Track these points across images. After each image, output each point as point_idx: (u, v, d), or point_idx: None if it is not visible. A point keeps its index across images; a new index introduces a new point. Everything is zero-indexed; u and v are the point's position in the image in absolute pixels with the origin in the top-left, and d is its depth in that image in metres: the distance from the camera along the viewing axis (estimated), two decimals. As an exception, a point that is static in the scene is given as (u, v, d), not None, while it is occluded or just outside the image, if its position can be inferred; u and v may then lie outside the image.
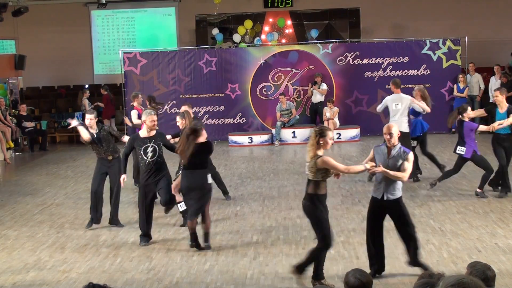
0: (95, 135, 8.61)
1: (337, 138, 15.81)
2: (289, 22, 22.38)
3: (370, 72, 17.04)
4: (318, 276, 6.27)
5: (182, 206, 8.34)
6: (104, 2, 19.30)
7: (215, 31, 21.32)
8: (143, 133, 7.92)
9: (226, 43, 21.15)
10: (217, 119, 17.18)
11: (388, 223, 6.60)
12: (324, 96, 16.61)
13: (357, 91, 17.09)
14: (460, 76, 16.66)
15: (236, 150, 15.74)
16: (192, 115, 9.74)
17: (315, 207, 6.15)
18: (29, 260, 7.50)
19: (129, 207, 9.86)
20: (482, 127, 9.49)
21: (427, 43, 17.00)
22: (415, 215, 8.39)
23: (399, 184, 6.30)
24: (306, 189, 6.26)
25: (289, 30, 22.42)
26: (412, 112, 10.88)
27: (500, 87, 10.05)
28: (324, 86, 16.68)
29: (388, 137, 6.28)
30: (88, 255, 7.61)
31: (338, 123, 16.09)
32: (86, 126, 8.61)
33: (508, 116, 9.29)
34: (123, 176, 8.03)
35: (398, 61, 17.00)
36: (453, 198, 9.61)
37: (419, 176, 10.99)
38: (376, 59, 17.03)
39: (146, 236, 7.92)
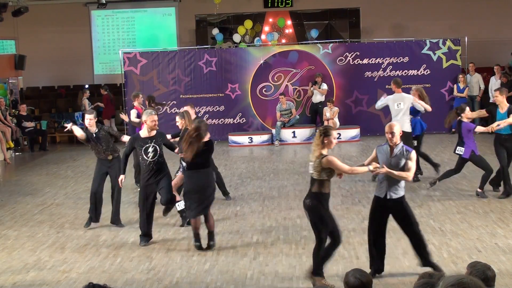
0: (94, 135, 8.61)
1: (337, 138, 15.77)
2: (289, 22, 22.38)
3: (370, 72, 17.04)
4: (317, 273, 6.26)
5: (180, 205, 8.34)
6: (104, 2, 19.30)
7: (215, 31, 21.33)
8: (143, 133, 7.91)
9: (226, 43, 21.15)
10: (217, 119, 17.18)
11: (388, 224, 6.58)
12: (324, 96, 16.61)
13: (357, 91, 17.09)
14: (460, 76, 16.66)
15: (236, 150, 15.74)
16: (195, 116, 9.74)
17: (320, 205, 6.14)
18: (29, 260, 7.50)
19: (129, 207, 9.86)
20: (480, 128, 9.46)
21: (427, 43, 17.00)
22: (415, 215, 8.37)
23: (402, 183, 6.31)
24: (310, 188, 6.23)
25: (289, 30, 22.42)
26: (411, 112, 10.88)
27: (500, 87, 10.05)
28: (324, 86, 16.69)
29: (390, 136, 6.28)
30: (88, 255, 7.61)
31: (338, 123, 16.09)
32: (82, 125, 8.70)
33: (508, 116, 9.28)
34: (121, 177, 8.05)
35: (398, 61, 17.00)
36: (453, 198, 9.61)
37: (419, 176, 10.99)
38: (376, 59, 17.03)
39: (146, 236, 7.92)
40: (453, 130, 15.86)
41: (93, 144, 8.67)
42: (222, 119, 17.14)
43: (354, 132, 16.36)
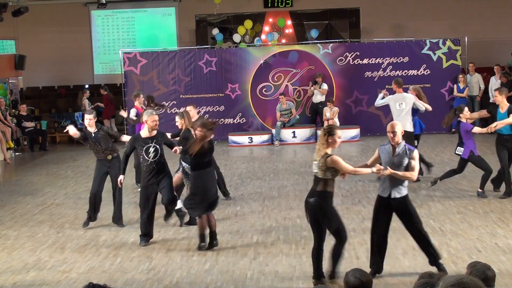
0: (93, 134, 8.62)
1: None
2: (289, 22, 22.38)
3: (370, 72, 17.05)
4: (318, 276, 6.26)
5: (178, 205, 8.35)
6: (104, 2, 19.30)
7: (215, 31, 21.34)
8: (144, 133, 7.91)
9: (226, 43, 21.16)
10: (217, 119, 17.15)
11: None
12: (324, 96, 16.61)
13: (357, 91, 17.09)
14: (460, 76, 16.66)
15: (236, 150, 15.74)
16: (197, 116, 9.74)
17: (326, 204, 6.13)
18: (29, 260, 7.50)
19: (129, 207, 9.86)
20: (477, 129, 9.41)
21: (427, 43, 17.00)
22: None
23: (406, 182, 6.32)
24: (314, 187, 6.20)
25: (289, 30, 22.42)
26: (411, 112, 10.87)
27: (500, 87, 10.03)
28: (324, 86, 16.70)
29: (392, 135, 6.29)
30: (88, 255, 7.61)
31: (338, 123, 16.08)
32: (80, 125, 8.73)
33: (508, 116, 9.27)
34: (120, 177, 8.05)
35: (398, 61, 17.00)
36: (453, 198, 9.61)
37: (419, 176, 10.98)
38: (376, 59, 17.03)
39: (146, 236, 7.92)
40: (453, 130, 15.87)
41: (92, 144, 8.68)
42: (222, 119, 17.13)
43: (354, 132, 16.35)
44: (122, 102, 17.45)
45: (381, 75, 16.97)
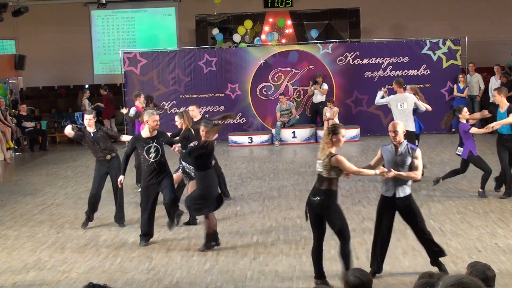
0: (92, 134, 8.63)
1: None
2: (289, 22, 22.39)
3: (370, 72, 17.05)
4: (320, 275, 6.25)
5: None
6: (104, 2, 19.30)
7: (215, 31, 21.34)
8: (145, 133, 7.90)
9: (226, 43, 21.16)
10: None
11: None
12: (325, 96, 16.61)
13: (357, 91, 17.09)
14: (460, 76, 16.66)
15: (236, 150, 15.74)
16: (200, 116, 9.73)
17: (331, 202, 6.12)
18: (29, 260, 7.50)
19: (129, 207, 9.85)
20: (474, 129, 9.39)
21: (427, 43, 17.01)
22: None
23: (409, 181, 6.33)
24: (318, 186, 6.16)
25: (289, 30, 22.43)
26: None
27: (499, 87, 10.01)
28: (325, 86, 16.71)
29: (393, 134, 6.29)
30: (88, 255, 7.61)
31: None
32: (77, 126, 8.75)
33: (508, 116, 9.26)
34: (121, 177, 8.04)
35: (398, 61, 17.00)
36: (453, 198, 9.61)
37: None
38: (376, 59, 17.03)
39: (146, 236, 7.92)
40: (453, 130, 15.89)
41: (90, 144, 8.69)
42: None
43: (354, 132, 16.35)
44: (122, 102, 17.42)
45: (381, 75, 16.97)
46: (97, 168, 8.81)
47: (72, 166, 14.37)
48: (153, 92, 16.31)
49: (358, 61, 17.06)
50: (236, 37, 20.64)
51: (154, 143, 7.78)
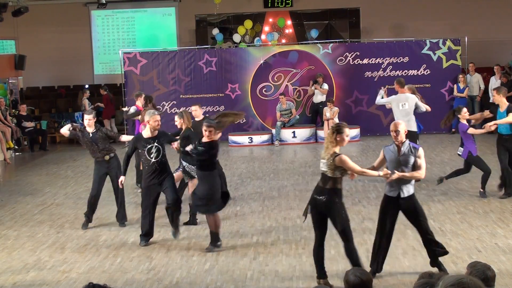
0: (91, 135, 8.63)
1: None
2: (289, 22, 22.39)
3: (370, 72, 17.05)
4: (322, 275, 6.25)
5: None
6: (104, 2, 19.30)
7: (215, 31, 21.34)
8: (146, 133, 7.90)
9: (226, 43, 21.16)
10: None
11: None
12: (325, 96, 16.61)
13: (357, 91, 17.09)
14: (460, 76, 16.66)
15: (236, 150, 15.74)
16: (202, 116, 9.74)
17: (337, 200, 6.12)
18: (29, 260, 7.50)
19: (129, 207, 9.83)
20: (471, 130, 9.39)
21: (427, 43, 17.00)
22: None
23: (413, 180, 6.34)
24: (322, 185, 6.14)
25: (289, 30, 22.43)
26: None
27: (498, 87, 10.00)
28: (325, 86, 16.71)
29: (395, 134, 6.29)
30: (88, 255, 7.61)
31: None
32: (75, 126, 8.74)
33: (507, 115, 9.27)
34: (121, 178, 8.02)
35: (398, 61, 17.00)
36: (453, 198, 9.61)
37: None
38: (376, 59, 17.03)
39: (146, 236, 7.92)
40: (453, 130, 15.89)
41: (88, 145, 8.69)
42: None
43: (354, 132, 16.32)
44: (122, 102, 17.43)
45: (381, 75, 16.97)
46: (96, 169, 8.81)
47: (72, 166, 14.37)
48: (153, 92, 16.32)
49: (358, 61, 17.06)
50: (236, 37, 20.64)
51: (155, 143, 7.78)
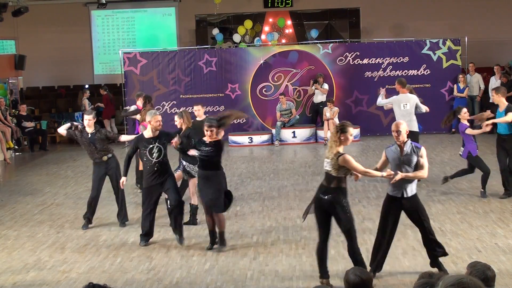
0: (89, 135, 8.63)
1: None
2: (289, 22, 22.38)
3: (370, 72, 17.05)
4: (324, 275, 6.24)
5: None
6: (104, 2, 19.30)
7: (215, 31, 21.34)
8: (147, 133, 7.90)
9: (226, 43, 21.16)
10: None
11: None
12: (325, 96, 16.61)
13: (357, 91, 17.09)
14: (460, 76, 16.66)
15: (236, 150, 15.74)
16: (204, 116, 9.75)
17: (342, 199, 6.11)
18: (29, 260, 7.50)
19: (129, 207, 9.82)
20: (469, 130, 9.38)
21: (427, 43, 17.00)
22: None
23: (415, 180, 6.34)
24: (326, 184, 6.14)
25: (289, 30, 22.43)
26: None
27: (497, 87, 9.99)
28: (325, 86, 16.71)
29: (396, 134, 6.30)
30: (88, 255, 7.61)
31: (338, 123, 16.06)
32: (73, 125, 8.73)
33: (505, 115, 9.27)
34: (123, 179, 8.00)
35: (398, 61, 17.00)
36: (453, 198, 9.61)
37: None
38: (376, 59, 17.03)
39: (146, 236, 7.92)
40: (453, 130, 15.90)
41: (86, 145, 8.70)
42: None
43: (354, 132, 16.29)
44: (122, 102, 17.44)
45: (381, 75, 16.97)
46: (95, 171, 8.81)
47: (72, 166, 14.37)
48: (153, 92, 16.32)
49: (358, 61, 17.06)
50: (236, 37, 20.64)
51: (156, 143, 7.78)
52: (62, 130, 8.74)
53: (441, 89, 16.91)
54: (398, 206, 6.37)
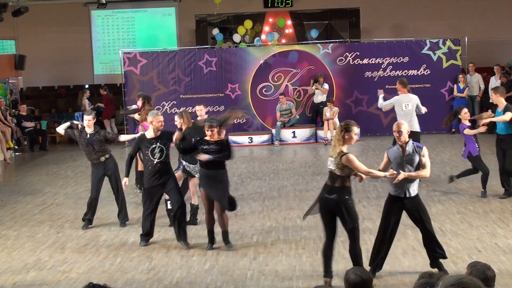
0: (88, 135, 8.63)
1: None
2: (289, 22, 22.38)
3: (370, 72, 17.04)
4: (328, 274, 6.24)
5: (169, 205, 8.35)
6: (104, 2, 19.29)
7: (215, 31, 21.34)
8: (149, 134, 7.90)
9: (226, 43, 21.16)
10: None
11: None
12: (325, 96, 16.61)
13: (357, 91, 17.08)
14: (460, 76, 16.66)
15: (236, 150, 15.52)
16: (205, 116, 9.75)
17: (348, 198, 6.10)
18: (29, 260, 7.50)
19: (129, 207, 9.81)
20: (467, 131, 9.38)
21: (427, 43, 17.00)
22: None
23: (417, 180, 6.35)
24: (331, 184, 6.14)
25: (289, 30, 22.42)
26: None
27: (496, 87, 9.99)
28: (325, 86, 16.71)
29: (397, 134, 6.30)
30: (88, 255, 7.61)
31: (338, 123, 16.08)
32: (72, 125, 8.75)
33: (504, 114, 9.28)
34: (125, 179, 7.99)
35: (398, 61, 17.00)
36: (453, 198, 9.61)
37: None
38: (376, 59, 17.03)
39: (147, 236, 7.92)
40: (453, 130, 15.90)
41: (84, 146, 8.70)
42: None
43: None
44: (122, 102, 17.43)
45: (381, 75, 16.97)
46: (94, 172, 8.82)
47: (72, 166, 14.36)
48: (153, 92, 16.32)
49: (358, 61, 17.06)
50: (236, 37, 20.64)
51: (158, 144, 7.77)
52: (61, 129, 8.75)
53: (441, 89, 16.91)
54: (400, 206, 6.37)
